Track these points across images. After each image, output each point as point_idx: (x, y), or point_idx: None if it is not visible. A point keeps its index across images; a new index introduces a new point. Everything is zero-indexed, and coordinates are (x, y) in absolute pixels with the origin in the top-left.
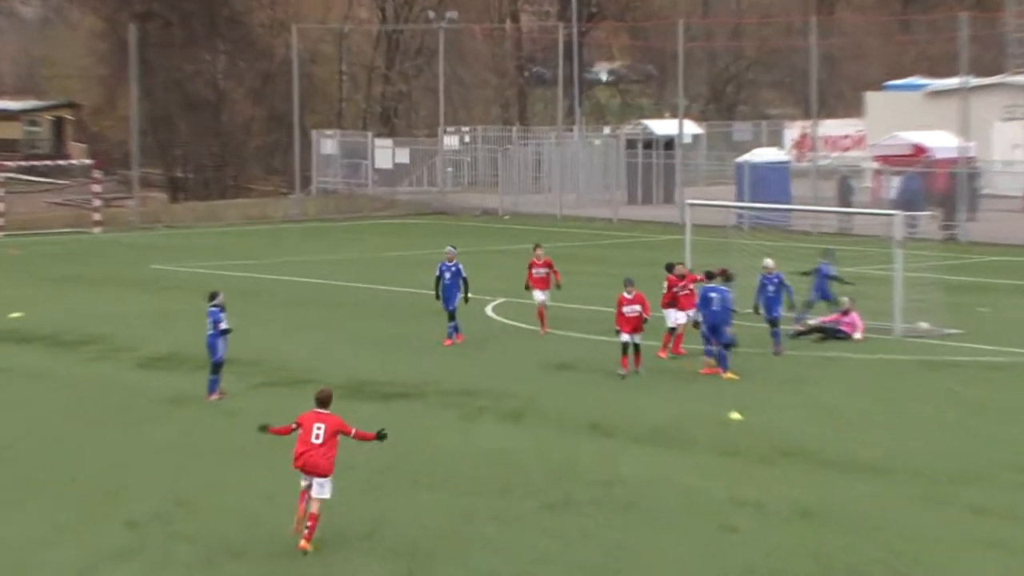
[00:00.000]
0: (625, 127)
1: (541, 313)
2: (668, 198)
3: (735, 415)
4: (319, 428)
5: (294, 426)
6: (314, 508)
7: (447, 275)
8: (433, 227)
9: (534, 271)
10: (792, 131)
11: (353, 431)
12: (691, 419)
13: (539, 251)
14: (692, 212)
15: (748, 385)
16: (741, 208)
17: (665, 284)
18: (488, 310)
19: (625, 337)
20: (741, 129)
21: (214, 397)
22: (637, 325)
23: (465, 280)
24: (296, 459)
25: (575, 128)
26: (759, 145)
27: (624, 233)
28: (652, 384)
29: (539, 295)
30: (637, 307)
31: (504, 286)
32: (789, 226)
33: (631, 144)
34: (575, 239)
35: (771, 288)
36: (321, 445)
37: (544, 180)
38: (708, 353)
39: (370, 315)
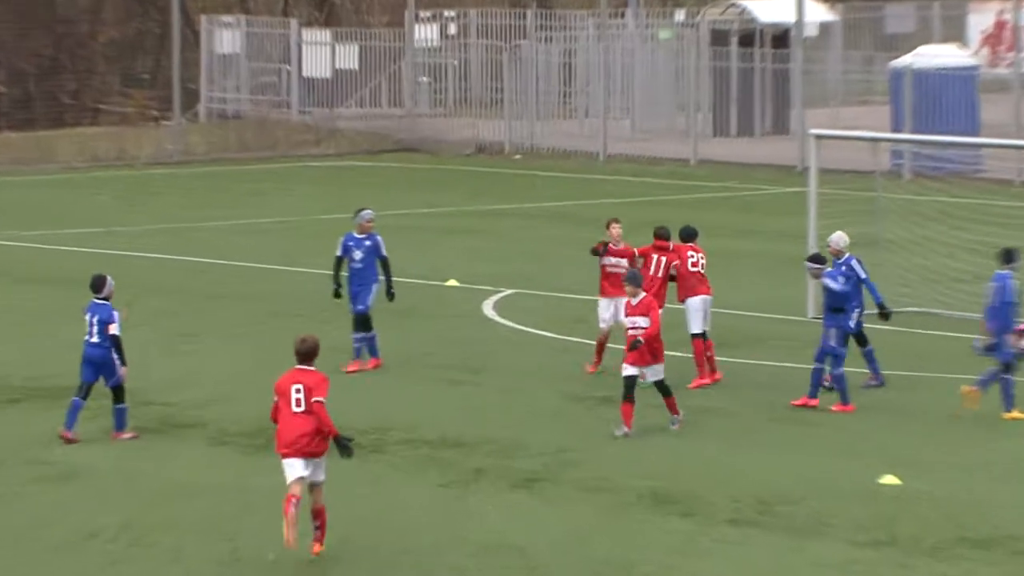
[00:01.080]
0: (710, 11)
1: (602, 342)
2: (780, 126)
3: (889, 479)
4: (298, 391)
5: (275, 399)
6: (318, 499)
7: (357, 255)
8: (396, 174)
9: (608, 265)
10: (982, 18)
11: (324, 407)
12: (814, 485)
13: (616, 228)
14: (820, 149)
15: (901, 428)
16: (900, 142)
17: (662, 260)
18: (486, 308)
19: (630, 371)
20: (899, 15)
21: (126, 436)
22: (645, 352)
23: (385, 263)
24: (279, 442)
25: (628, 13)
26: (927, 41)
27: (708, 183)
28: (742, 429)
29: (606, 310)
30: (641, 321)
31: (511, 269)
32: (979, 171)
33: (719, 39)
34: (626, 193)
35: (839, 281)
36: (305, 414)
37: (578, 98)
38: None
39: (294, 316)
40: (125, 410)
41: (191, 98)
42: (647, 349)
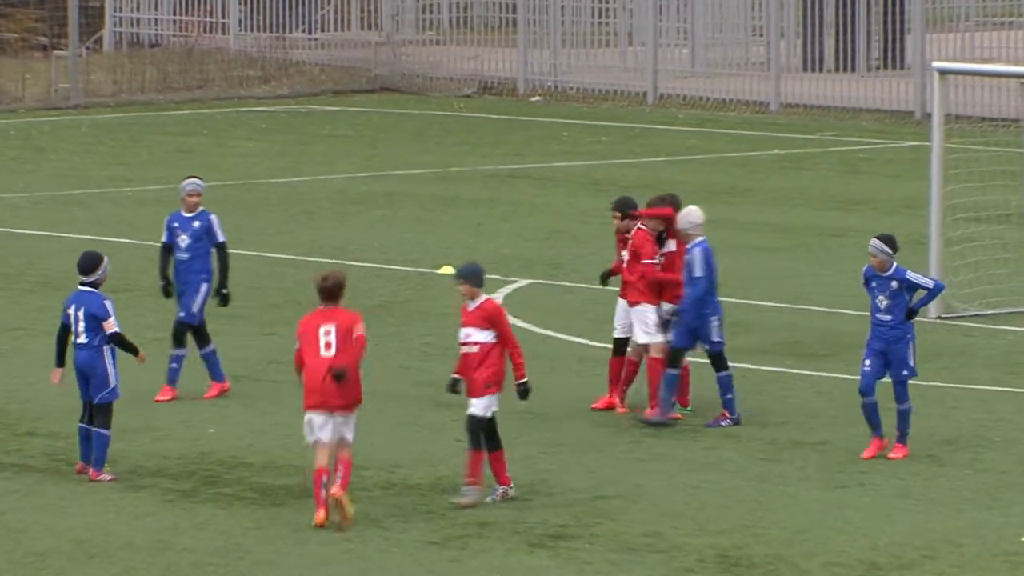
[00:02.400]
0: None
1: (628, 370)
2: (892, 58)
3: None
4: (328, 333)
5: (298, 346)
6: (345, 454)
7: (182, 240)
8: (372, 122)
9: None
10: None
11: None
12: (939, 544)
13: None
14: (947, 89)
15: None
16: None
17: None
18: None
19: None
20: None
21: (105, 477)
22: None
23: (222, 251)
24: (306, 394)
25: None
26: None
27: (794, 134)
28: (836, 467)
29: (622, 319)
30: (477, 335)
31: (527, 252)
32: None
33: None
34: (684, 148)
35: (882, 295)
36: (337, 356)
37: (618, 19)
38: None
39: (228, 315)
40: (107, 440)
41: (93, 20)
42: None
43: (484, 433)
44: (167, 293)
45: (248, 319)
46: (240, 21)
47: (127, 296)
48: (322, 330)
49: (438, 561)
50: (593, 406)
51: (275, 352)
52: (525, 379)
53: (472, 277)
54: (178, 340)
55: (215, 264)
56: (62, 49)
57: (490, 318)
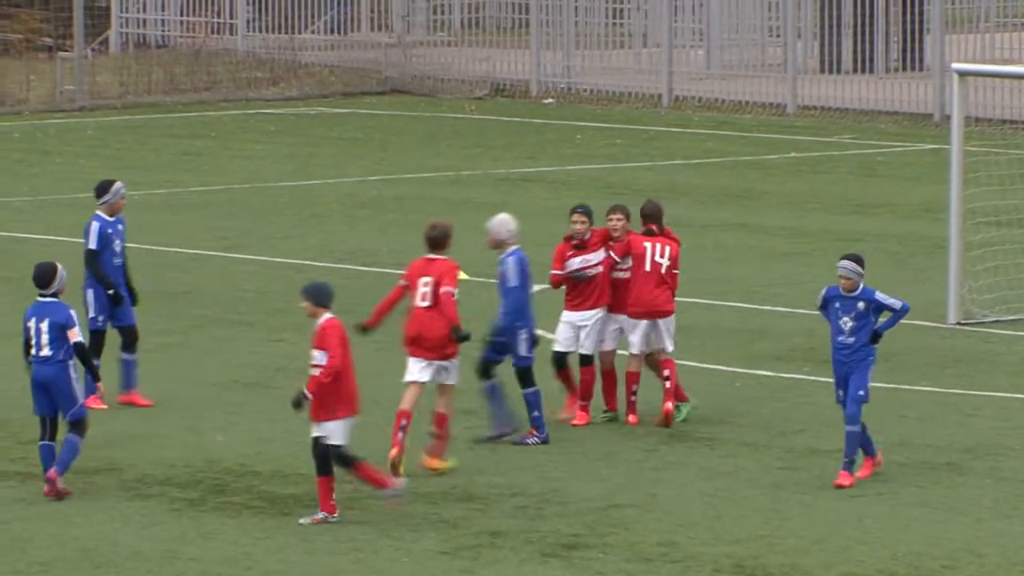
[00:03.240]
0: None
1: (581, 380)
2: (911, 59)
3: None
4: (426, 284)
5: (402, 283)
6: (441, 406)
7: (118, 246)
8: (382, 124)
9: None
10: None
11: (452, 298)
12: (968, 556)
13: (616, 219)
14: (966, 91)
15: None
16: None
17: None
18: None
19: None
20: None
21: (61, 486)
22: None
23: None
24: (407, 338)
25: None
26: None
27: (811, 137)
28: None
29: (566, 329)
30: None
31: (540, 257)
32: None
33: None
34: (699, 151)
35: (847, 317)
36: (431, 309)
37: (633, 19)
38: None
39: (235, 322)
40: (77, 448)
41: (99, 21)
42: (319, 398)
43: (323, 457)
44: (118, 300)
45: (256, 325)
46: (248, 22)
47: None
48: (422, 281)
49: (449, 571)
50: (558, 419)
51: (283, 359)
52: (303, 392)
53: (311, 295)
54: (124, 343)
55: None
56: (67, 50)
57: (320, 339)
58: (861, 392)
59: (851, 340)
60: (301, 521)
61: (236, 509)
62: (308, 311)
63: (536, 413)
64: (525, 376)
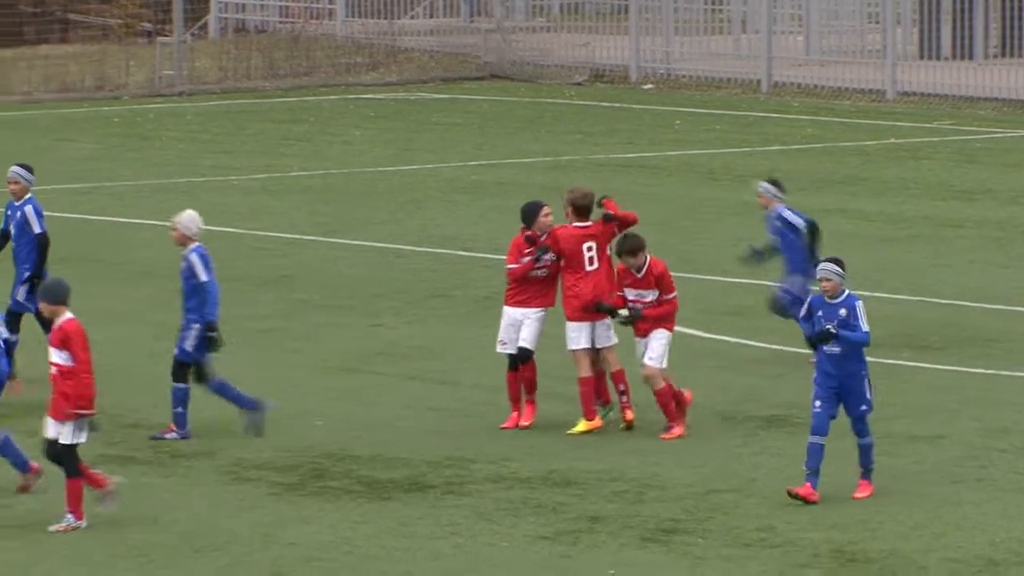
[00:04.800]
0: None
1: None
2: (1010, 46)
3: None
4: (590, 248)
5: (552, 258)
6: (614, 362)
7: (13, 229)
8: (481, 110)
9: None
10: None
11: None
12: None
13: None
14: None
15: None
16: None
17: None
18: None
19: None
20: None
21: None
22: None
23: (42, 243)
24: (580, 304)
25: None
26: None
27: (911, 123)
28: (954, 461)
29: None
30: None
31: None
32: None
33: None
34: (799, 137)
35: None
36: (599, 271)
37: (732, 5)
38: None
39: (335, 307)
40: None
41: (198, 6)
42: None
43: (58, 459)
44: (33, 286)
45: (355, 310)
46: (347, 7)
47: (234, 286)
48: (585, 246)
49: (548, 556)
50: (502, 426)
51: (382, 344)
52: (82, 411)
53: (47, 295)
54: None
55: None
56: (167, 35)
57: (62, 339)
58: (863, 407)
59: (836, 349)
60: (50, 528)
61: (335, 494)
62: (46, 311)
63: (179, 409)
64: (179, 370)
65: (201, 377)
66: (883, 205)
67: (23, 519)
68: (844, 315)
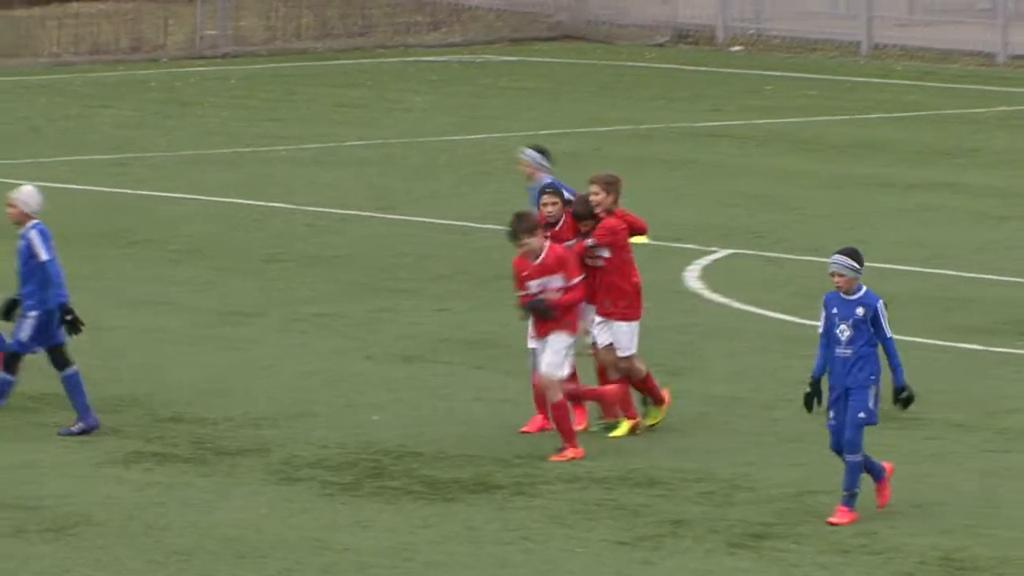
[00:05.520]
0: None
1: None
2: None
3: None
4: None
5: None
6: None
7: None
8: (553, 73)
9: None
10: None
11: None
12: None
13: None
14: None
15: None
16: None
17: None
18: (690, 276)
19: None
20: None
21: None
22: None
23: None
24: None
25: None
26: None
27: None
28: None
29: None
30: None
31: (726, 219)
32: None
33: None
34: (901, 103)
35: (844, 324)
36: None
37: None
38: None
39: (392, 289)
40: None
41: None
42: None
43: None
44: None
45: (416, 293)
46: None
47: (278, 267)
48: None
49: (628, 563)
50: (523, 430)
51: (448, 329)
52: None
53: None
54: None
55: None
56: None
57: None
58: (862, 415)
59: (847, 352)
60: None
61: (394, 495)
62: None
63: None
64: (11, 361)
65: (58, 364)
66: (993, 179)
67: (54, 523)
68: (861, 314)
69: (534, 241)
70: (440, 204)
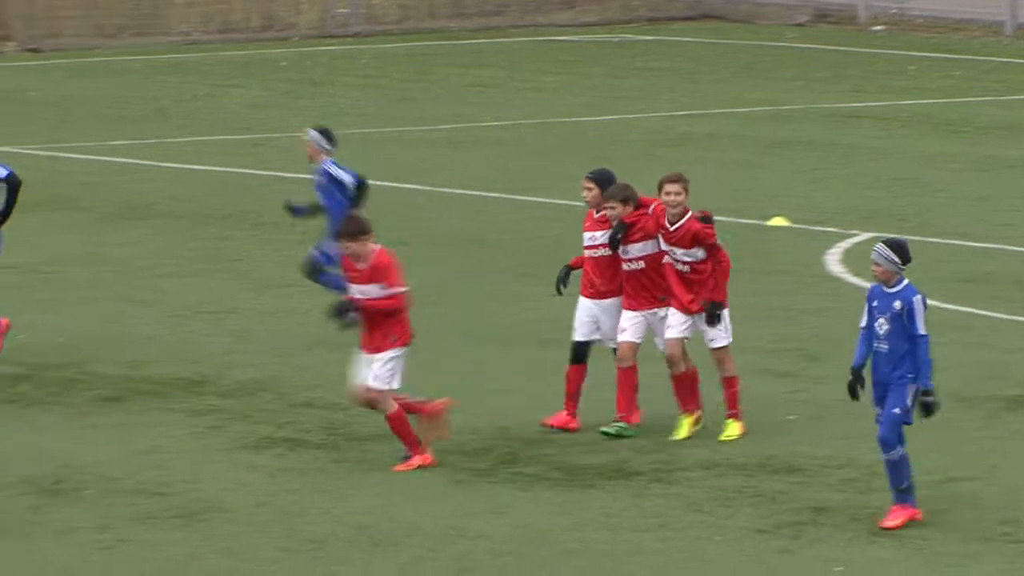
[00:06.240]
0: None
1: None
2: None
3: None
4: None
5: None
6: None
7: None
8: (691, 53)
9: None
10: None
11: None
12: None
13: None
14: None
15: None
16: None
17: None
18: (831, 260)
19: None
20: None
21: None
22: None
23: None
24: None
25: None
26: None
27: None
28: None
29: (585, 320)
30: None
31: (868, 202)
32: None
33: None
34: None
35: (883, 318)
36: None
37: None
38: None
39: (530, 274)
40: None
41: None
42: None
43: None
44: None
45: (552, 278)
46: None
47: (411, 249)
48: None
49: (766, 551)
50: (545, 422)
51: None
52: None
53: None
54: None
55: None
56: None
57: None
58: (896, 410)
59: (885, 347)
60: None
61: (529, 481)
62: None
63: None
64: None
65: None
66: None
67: (183, 509)
68: (898, 308)
69: (355, 246)
70: (572, 187)
